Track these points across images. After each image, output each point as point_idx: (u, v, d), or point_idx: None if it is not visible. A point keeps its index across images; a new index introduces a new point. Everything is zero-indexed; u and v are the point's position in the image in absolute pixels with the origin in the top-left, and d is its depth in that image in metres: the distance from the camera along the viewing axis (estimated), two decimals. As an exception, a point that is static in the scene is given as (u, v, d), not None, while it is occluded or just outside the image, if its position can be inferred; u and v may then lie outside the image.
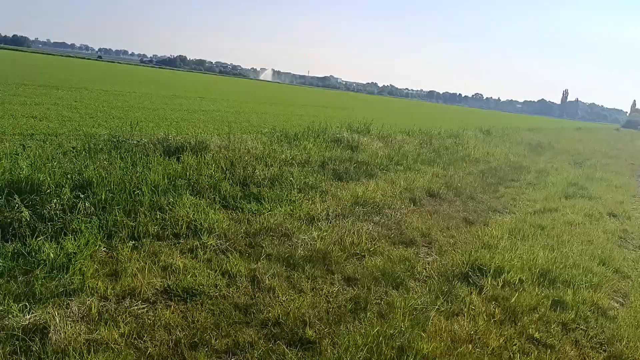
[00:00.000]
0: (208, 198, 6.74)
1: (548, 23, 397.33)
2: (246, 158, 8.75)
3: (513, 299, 4.90)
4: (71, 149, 8.24)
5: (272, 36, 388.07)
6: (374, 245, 6.07)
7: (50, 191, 5.24)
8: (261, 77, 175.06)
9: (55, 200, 5.14)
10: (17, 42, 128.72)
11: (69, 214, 5.10)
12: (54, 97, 18.57)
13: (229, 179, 7.64)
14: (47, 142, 8.66)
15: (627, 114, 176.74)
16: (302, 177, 8.64)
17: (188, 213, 5.95)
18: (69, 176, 5.79)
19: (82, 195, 5.50)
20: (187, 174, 7.23)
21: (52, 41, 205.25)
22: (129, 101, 20.80)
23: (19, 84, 21.25)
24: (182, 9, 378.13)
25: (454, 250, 6.32)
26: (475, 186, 11.02)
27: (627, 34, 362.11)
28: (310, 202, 7.54)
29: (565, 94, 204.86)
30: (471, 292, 5.02)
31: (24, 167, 5.59)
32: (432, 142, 16.99)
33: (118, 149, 8.36)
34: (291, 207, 7.05)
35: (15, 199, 4.91)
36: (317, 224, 6.51)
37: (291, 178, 8.29)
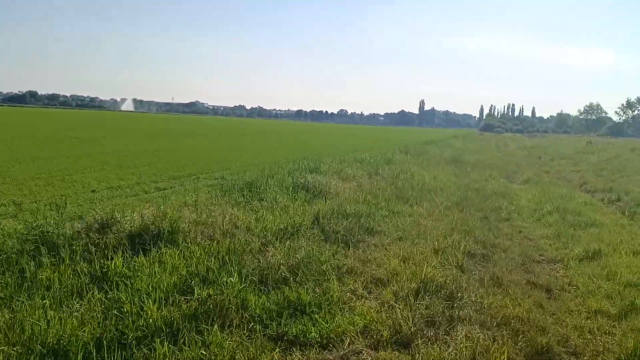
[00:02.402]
0: (245, 329, 4.22)
1: (400, 36, 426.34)
2: (241, 237, 6.25)
3: None
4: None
5: (130, 62, 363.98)
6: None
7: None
8: (122, 108, 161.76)
9: None
10: None
11: None
12: None
13: (243, 279, 5.13)
14: None
15: (477, 118, 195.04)
16: (318, 254, 6.38)
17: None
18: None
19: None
20: (197, 289, 4.60)
21: None
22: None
23: None
24: (27, 41, 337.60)
25: None
26: (480, 228, 9.46)
27: (471, 45, 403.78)
28: (362, 298, 5.39)
29: (422, 104, 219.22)
30: None
31: None
32: (378, 172, 15.43)
33: (49, 247, 5.43)
34: (359, 319, 4.77)
35: None
36: (418, 347, 4.32)
37: (315, 261, 5.98)
